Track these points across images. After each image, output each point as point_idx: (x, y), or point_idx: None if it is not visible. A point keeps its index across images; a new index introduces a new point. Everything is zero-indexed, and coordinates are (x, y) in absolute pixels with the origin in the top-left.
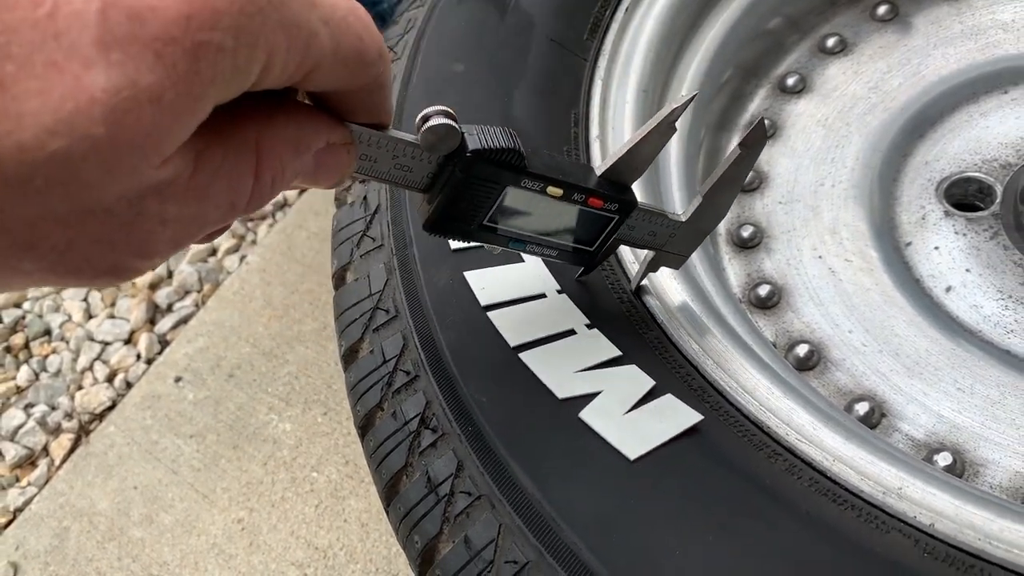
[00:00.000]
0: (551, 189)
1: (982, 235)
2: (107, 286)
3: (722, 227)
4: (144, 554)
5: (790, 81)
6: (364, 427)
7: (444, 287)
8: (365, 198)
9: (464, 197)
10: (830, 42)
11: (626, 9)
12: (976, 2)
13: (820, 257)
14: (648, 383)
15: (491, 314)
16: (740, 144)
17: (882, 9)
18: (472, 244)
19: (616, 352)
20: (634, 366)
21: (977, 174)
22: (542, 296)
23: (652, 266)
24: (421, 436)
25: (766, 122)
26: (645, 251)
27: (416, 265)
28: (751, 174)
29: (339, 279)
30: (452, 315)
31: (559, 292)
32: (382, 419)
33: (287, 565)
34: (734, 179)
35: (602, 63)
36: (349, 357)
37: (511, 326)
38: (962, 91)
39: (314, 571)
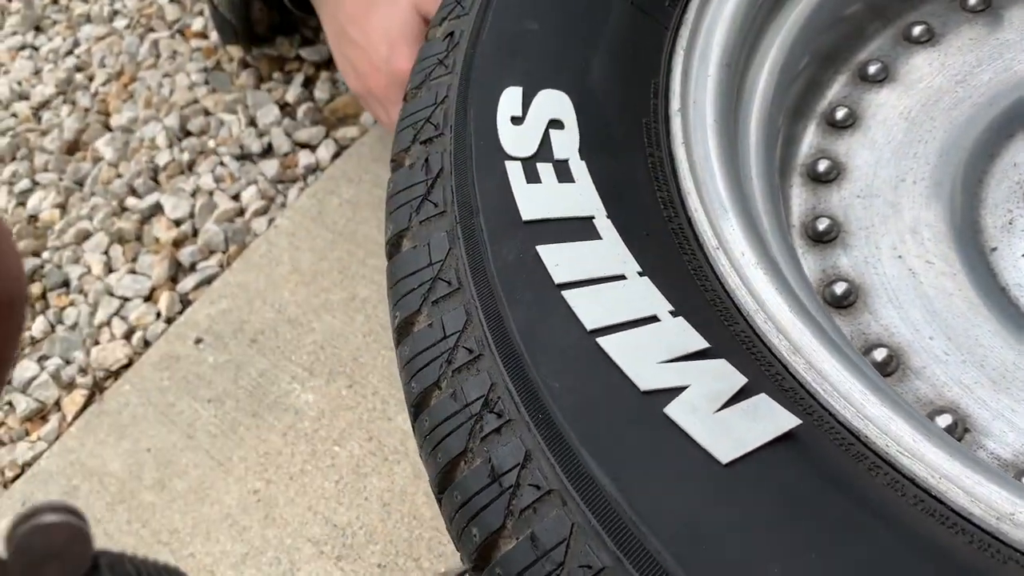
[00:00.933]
0: None
1: None
2: None
3: (796, 219)
4: (154, 519)
5: (872, 69)
6: (418, 405)
7: (514, 261)
8: (427, 160)
9: None
10: (916, 31)
11: None
12: None
13: (900, 257)
14: (740, 380)
15: (566, 293)
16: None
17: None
18: (547, 216)
19: (704, 344)
20: (724, 360)
21: None
22: (622, 277)
23: None
24: (484, 420)
25: (843, 111)
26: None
27: (483, 235)
28: (828, 163)
29: (394, 246)
30: (522, 292)
31: (640, 275)
32: (439, 399)
33: (303, 541)
34: None
35: (684, 33)
36: (404, 329)
37: (588, 308)
38: None
39: (331, 549)
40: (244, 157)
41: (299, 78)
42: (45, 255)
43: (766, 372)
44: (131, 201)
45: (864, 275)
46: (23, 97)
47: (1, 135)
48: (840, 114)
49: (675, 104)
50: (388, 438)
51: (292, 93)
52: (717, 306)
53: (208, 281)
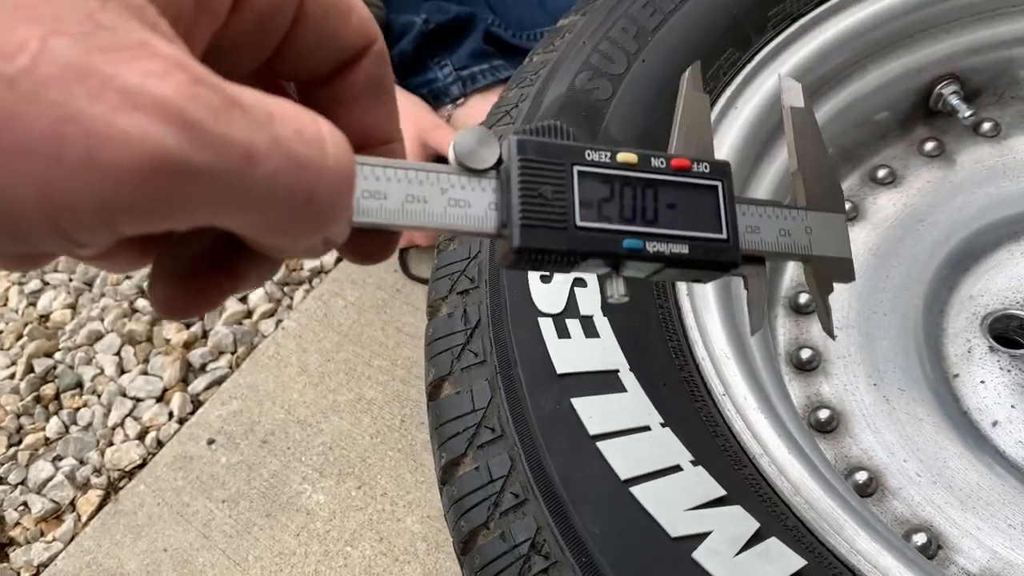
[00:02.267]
0: (623, 156)
1: None
2: None
3: (782, 348)
4: None
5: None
6: (466, 543)
7: (551, 412)
8: (465, 311)
9: (534, 192)
10: (880, 173)
11: None
12: (1016, 144)
13: (875, 385)
14: (753, 525)
15: (600, 444)
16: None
17: (929, 145)
18: (578, 369)
19: (721, 491)
20: (739, 507)
21: (1019, 312)
22: (647, 428)
23: (821, 286)
24: (532, 561)
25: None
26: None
27: (522, 386)
28: (807, 296)
29: (435, 388)
30: (560, 442)
31: (663, 426)
32: (488, 539)
33: None
34: (809, 139)
35: None
36: (450, 470)
37: (620, 458)
38: (1003, 229)
39: None
40: None
41: None
42: (58, 356)
43: (773, 512)
44: (141, 303)
45: (844, 402)
46: None
47: None
48: None
49: None
50: (398, 539)
51: None
52: (728, 451)
53: (219, 382)
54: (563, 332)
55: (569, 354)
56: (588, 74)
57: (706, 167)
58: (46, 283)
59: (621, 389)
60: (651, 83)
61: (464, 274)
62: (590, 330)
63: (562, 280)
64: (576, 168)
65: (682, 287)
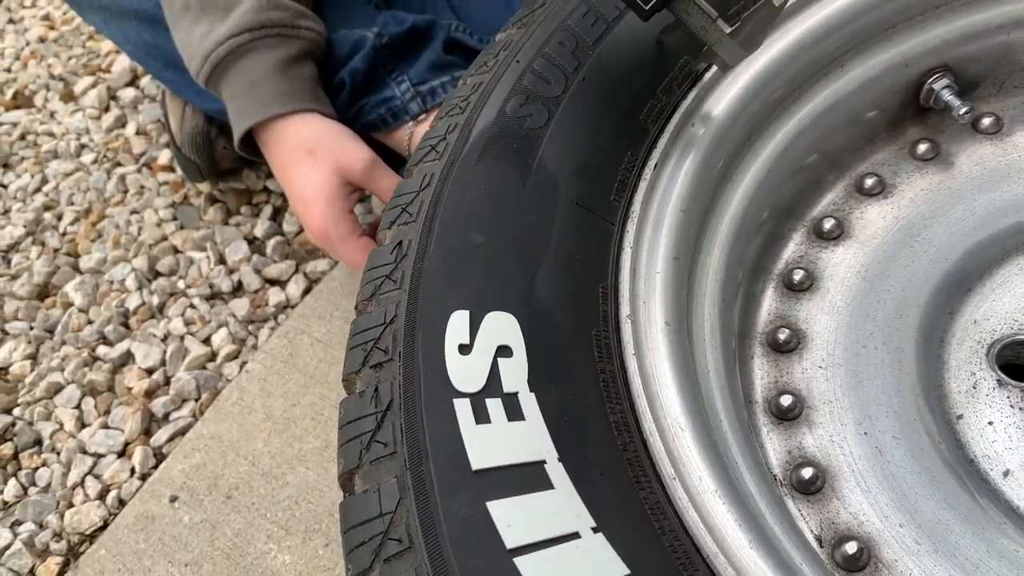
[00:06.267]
0: None
1: None
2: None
3: (759, 394)
4: None
5: (827, 226)
6: None
7: (465, 519)
8: (376, 389)
9: None
10: (868, 182)
11: (655, 165)
12: (1022, 140)
13: (865, 433)
14: None
15: (518, 560)
16: None
17: (922, 147)
18: (497, 464)
19: None
20: None
21: None
22: (575, 536)
23: (705, 56)
24: None
25: (801, 272)
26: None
27: (433, 487)
28: (788, 332)
29: (348, 480)
30: (473, 558)
31: (595, 531)
32: None
33: None
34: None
35: (631, 227)
36: None
37: None
38: (1010, 240)
39: None
40: (214, 296)
41: (267, 211)
42: (16, 412)
43: None
44: (102, 350)
45: (830, 456)
46: None
47: None
48: (798, 276)
49: (625, 309)
50: None
51: (260, 227)
52: (676, 553)
53: (182, 432)
54: (482, 416)
55: (488, 445)
56: (520, 99)
57: None
58: (6, 332)
59: (547, 486)
60: (592, 106)
61: (378, 345)
62: (514, 412)
63: (483, 348)
64: None
65: (629, 344)
